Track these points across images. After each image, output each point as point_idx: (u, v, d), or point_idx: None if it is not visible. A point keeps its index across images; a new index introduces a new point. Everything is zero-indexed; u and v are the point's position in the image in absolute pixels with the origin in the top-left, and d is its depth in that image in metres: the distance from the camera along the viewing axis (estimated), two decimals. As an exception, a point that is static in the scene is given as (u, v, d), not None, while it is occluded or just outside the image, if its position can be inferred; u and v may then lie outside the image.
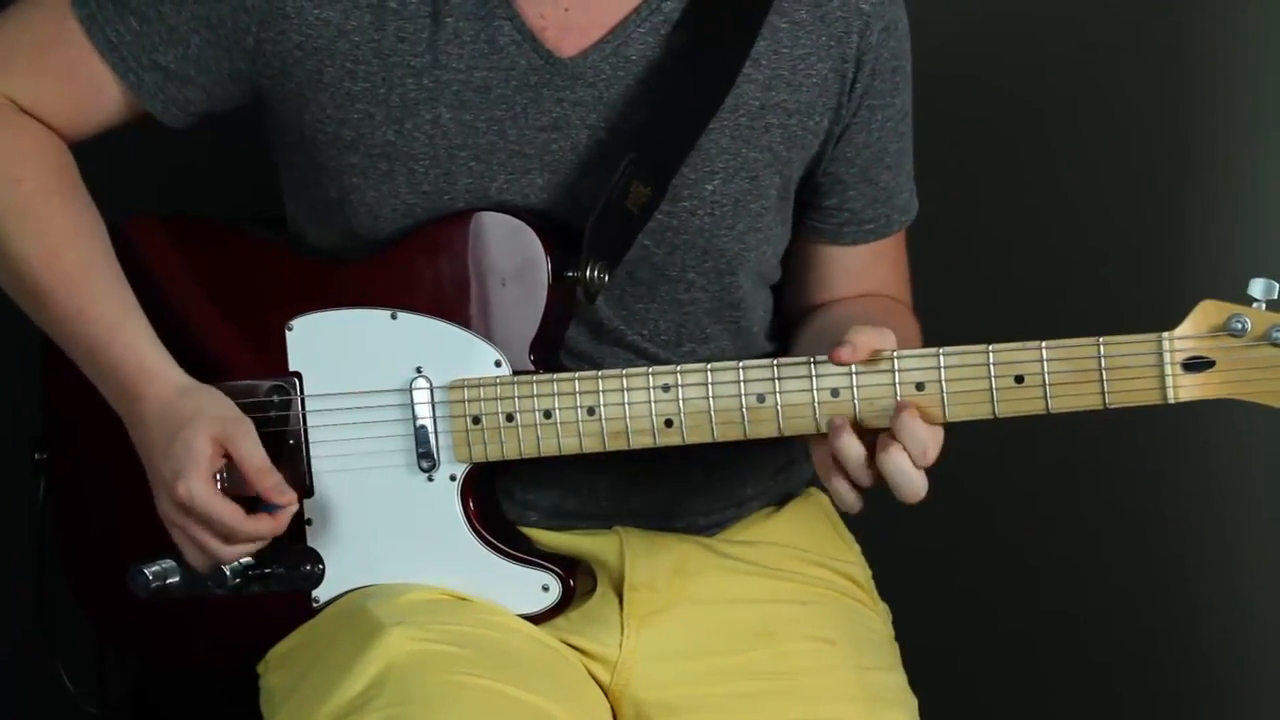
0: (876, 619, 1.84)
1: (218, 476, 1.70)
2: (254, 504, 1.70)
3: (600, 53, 1.73)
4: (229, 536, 1.70)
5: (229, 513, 1.68)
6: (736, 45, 1.74)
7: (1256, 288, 1.57)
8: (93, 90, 1.78)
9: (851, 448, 1.61)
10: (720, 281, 1.78)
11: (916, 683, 1.80)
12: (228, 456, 1.70)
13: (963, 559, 2.35)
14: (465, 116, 1.72)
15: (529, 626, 1.73)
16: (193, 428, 1.69)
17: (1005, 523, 2.31)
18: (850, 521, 1.89)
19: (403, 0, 1.72)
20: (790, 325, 1.88)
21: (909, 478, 1.61)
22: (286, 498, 1.70)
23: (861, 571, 1.87)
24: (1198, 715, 2.33)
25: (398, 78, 1.72)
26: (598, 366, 1.77)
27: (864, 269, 1.85)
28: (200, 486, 1.68)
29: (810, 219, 1.84)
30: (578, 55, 1.73)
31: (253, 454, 1.69)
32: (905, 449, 1.60)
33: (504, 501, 1.78)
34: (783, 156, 1.77)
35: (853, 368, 1.64)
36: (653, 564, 1.78)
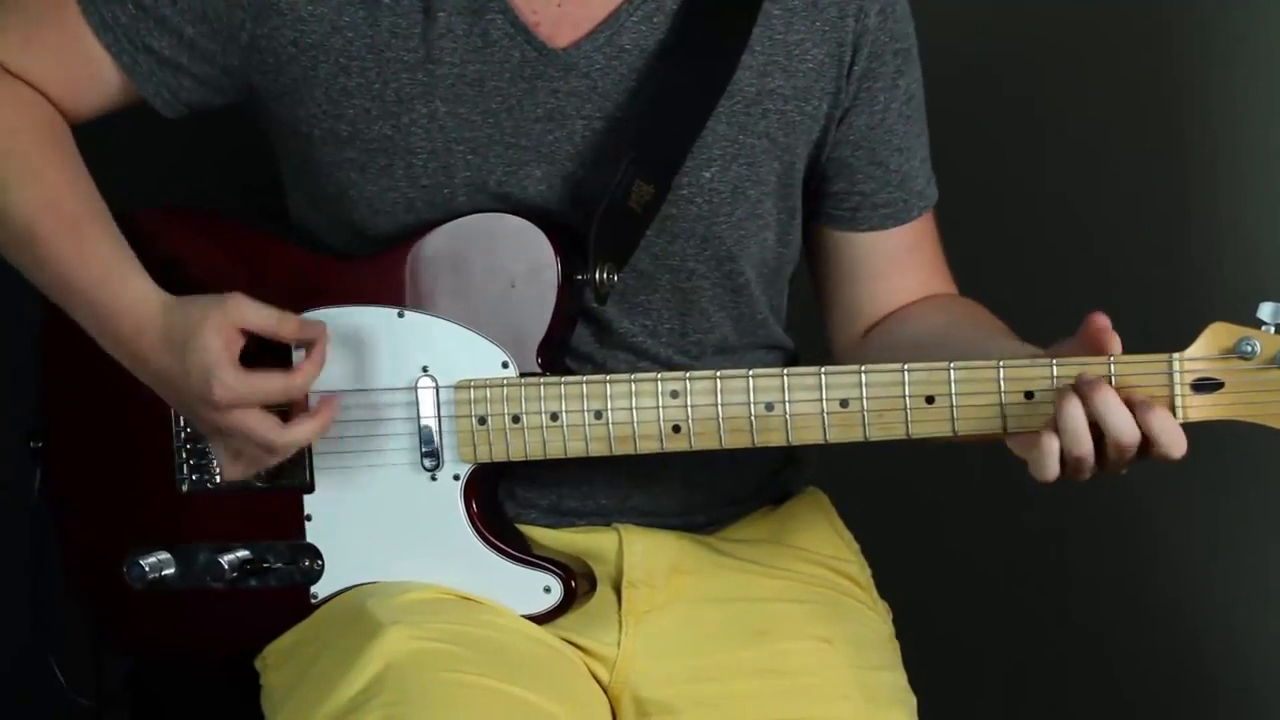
0: (876, 618, 1.85)
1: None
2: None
3: (594, 43, 1.73)
4: (289, 397, 1.67)
5: (274, 380, 1.67)
6: (732, 39, 1.74)
7: (1266, 311, 1.58)
8: (88, 71, 1.78)
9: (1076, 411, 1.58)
10: (721, 269, 1.79)
11: (916, 682, 1.81)
12: (241, 337, 1.67)
13: (963, 557, 2.37)
14: (460, 110, 1.72)
15: (528, 625, 1.74)
16: (197, 334, 1.67)
17: (1005, 522, 2.32)
18: (850, 520, 1.91)
19: None
20: (860, 332, 1.87)
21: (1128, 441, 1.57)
22: (314, 331, 1.69)
23: (861, 570, 1.88)
24: (1195, 714, 2.36)
25: (392, 73, 1.72)
26: (601, 368, 1.77)
27: (904, 257, 1.84)
28: (232, 374, 1.66)
29: (825, 207, 1.84)
30: (571, 46, 1.73)
31: (260, 314, 1.68)
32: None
33: (504, 499, 1.78)
34: (781, 143, 1.77)
35: (861, 379, 1.65)
36: (651, 561, 1.79)
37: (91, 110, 1.81)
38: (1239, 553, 2.31)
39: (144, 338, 1.71)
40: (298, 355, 1.71)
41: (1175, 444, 1.58)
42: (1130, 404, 1.58)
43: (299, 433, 1.69)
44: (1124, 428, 1.57)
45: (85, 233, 1.74)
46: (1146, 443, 1.58)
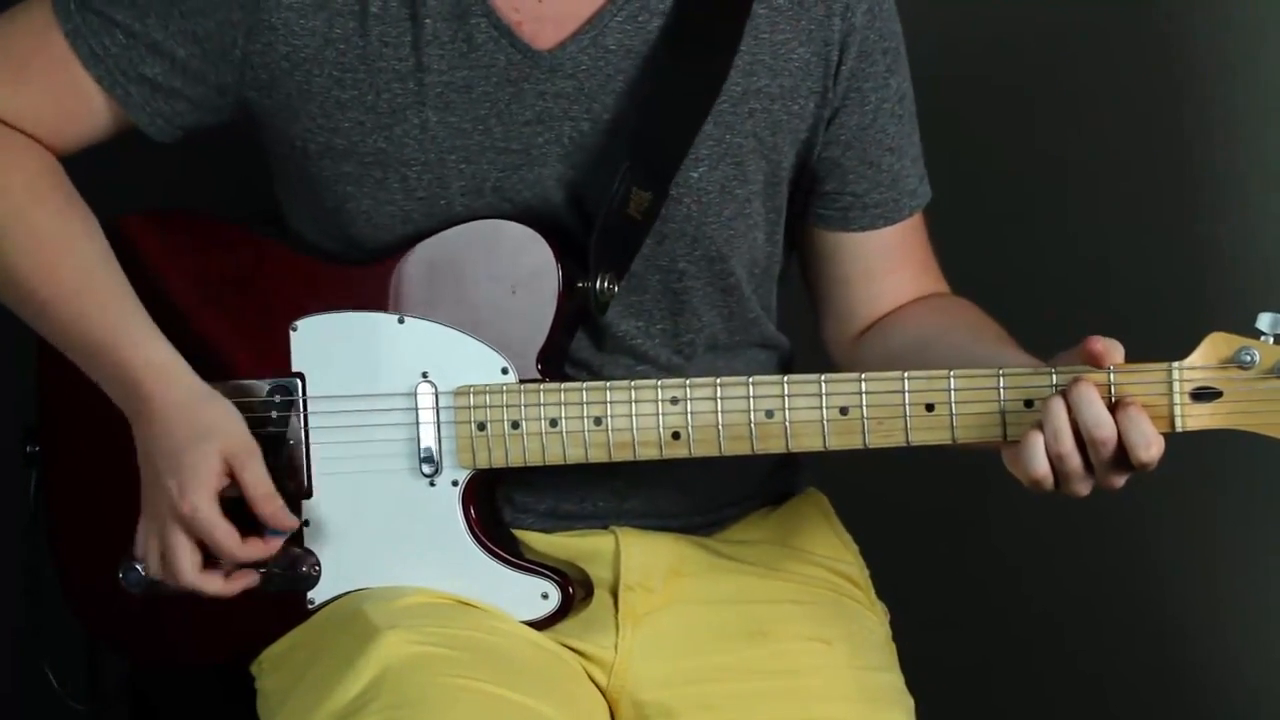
0: (874, 619, 1.86)
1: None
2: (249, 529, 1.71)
3: (578, 44, 1.73)
4: (230, 558, 1.70)
5: (226, 535, 1.69)
6: (722, 41, 1.74)
7: (1264, 321, 1.59)
8: (79, 103, 1.77)
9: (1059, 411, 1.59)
10: (712, 269, 1.79)
11: (913, 683, 1.81)
12: (231, 477, 1.70)
13: (960, 559, 2.37)
14: (451, 118, 1.72)
15: (526, 630, 1.74)
16: (207, 444, 1.69)
17: (1003, 523, 2.33)
18: (848, 521, 1.91)
19: (384, 5, 1.72)
20: (855, 334, 1.86)
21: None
22: (288, 523, 1.71)
23: (859, 571, 1.88)
24: (1194, 714, 2.37)
25: (384, 83, 1.72)
26: (599, 373, 1.77)
27: (896, 255, 1.84)
28: (205, 504, 1.68)
29: (816, 206, 1.83)
30: (555, 47, 1.73)
31: (258, 479, 1.70)
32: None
33: (501, 504, 1.78)
34: (768, 142, 1.77)
35: (861, 386, 1.66)
36: (648, 564, 1.79)
37: (84, 141, 1.80)
38: (1238, 560, 2.32)
39: (151, 405, 1.71)
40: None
41: (1144, 443, 1.58)
42: (1112, 404, 1.59)
43: (204, 584, 1.70)
44: (1098, 421, 1.58)
45: (88, 297, 1.74)
46: (1124, 446, 1.59)
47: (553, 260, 1.71)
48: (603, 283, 1.72)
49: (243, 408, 1.72)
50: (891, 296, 1.86)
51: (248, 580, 1.72)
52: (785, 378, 1.67)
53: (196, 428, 1.69)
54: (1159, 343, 1.62)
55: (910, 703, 1.80)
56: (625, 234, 1.72)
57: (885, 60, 1.80)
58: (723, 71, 1.74)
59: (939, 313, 1.84)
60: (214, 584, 1.71)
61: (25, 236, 1.75)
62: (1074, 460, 1.59)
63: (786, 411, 1.67)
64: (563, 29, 1.73)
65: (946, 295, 1.88)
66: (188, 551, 1.69)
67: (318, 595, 1.76)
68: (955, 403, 1.64)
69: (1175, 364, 1.60)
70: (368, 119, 1.73)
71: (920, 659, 1.85)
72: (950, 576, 2.37)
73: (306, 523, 1.76)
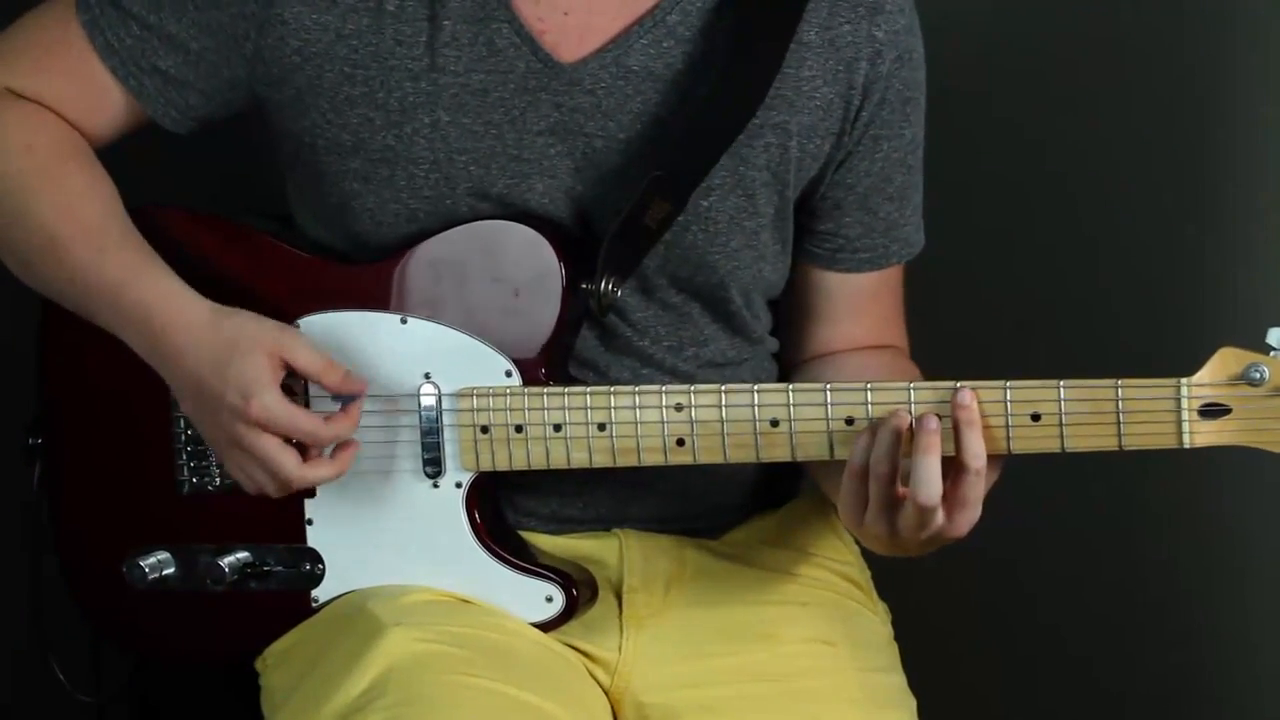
0: (875, 620, 1.86)
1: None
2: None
3: (600, 61, 1.71)
4: (315, 441, 1.67)
5: (307, 419, 1.67)
6: (764, 64, 1.71)
7: (1274, 336, 1.57)
8: (95, 94, 1.77)
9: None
10: (714, 295, 1.78)
11: (915, 683, 1.82)
12: (284, 369, 1.68)
13: (962, 558, 2.36)
14: (464, 120, 1.71)
15: (531, 628, 1.73)
16: (246, 347, 1.67)
17: (1005, 524, 2.32)
18: (850, 522, 1.90)
19: (400, 3, 1.71)
20: (796, 362, 1.86)
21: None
22: (358, 385, 1.69)
23: (860, 572, 1.88)
24: (1197, 716, 2.37)
25: (396, 81, 1.71)
26: (605, 374, 1.77)
27: (863, 301, 1.83)
28: (274, 399, 1.66)
29: (805, 241, 1.82)
30: (577, 61, 1.71)
31: (311, 357, 1.68)
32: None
33: (504, 507, 1.78)
34: (781, 176, 1.75)
35: (867, 396, 1.65)
36: (651, 567, 1.79)
37: (106, 131, 1.79)
38: (1242, 558, 2.32)
39: (179, 337, 1.69)
40: (318, 402, 1.71)
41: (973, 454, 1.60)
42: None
43: (316, 474, 1.69)
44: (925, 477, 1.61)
45: (107, 236, 1.73)
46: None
47: (556, 262, 1.70)
48: (607, 285, 1.70)
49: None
50: (845, 340, 1.84)
51: (350, 452, 1.69)
52: (790, 386, 1.66)
53: (229, 339, 1.67)
54: (1167, 357, 1.61)
55: (913, 703, 1.81)
56: (637, 240, 1.71)
57: (905, 110, 1.77)
58: (759, 95, 1.71)
59: (872, 371, 1.80)
60: (324, 470, 1.68)
61: (48, 183, 1.75)
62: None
63: (792, 421, 1.66)
64: (586, 44, 1.71)
65: (895, 353, 1.85)
66: (284, 452, 1.67)
67: (322, 594, 1.76)
68: (960, 415, 1.63)
69: (1184, 380, 1.59)
70: (377, 116, 1.71)
71: (922, 659, 1.85)
72: (952, 576, 2.36)
73: (310, 521, 1.75)
